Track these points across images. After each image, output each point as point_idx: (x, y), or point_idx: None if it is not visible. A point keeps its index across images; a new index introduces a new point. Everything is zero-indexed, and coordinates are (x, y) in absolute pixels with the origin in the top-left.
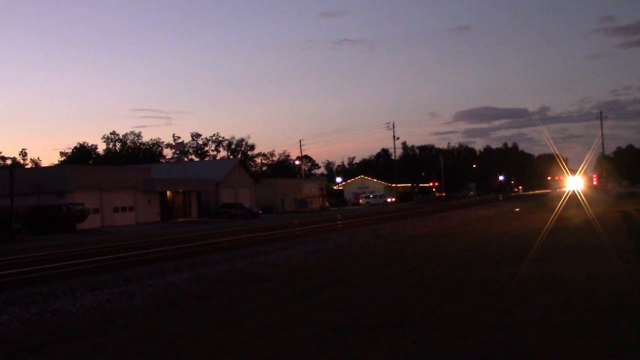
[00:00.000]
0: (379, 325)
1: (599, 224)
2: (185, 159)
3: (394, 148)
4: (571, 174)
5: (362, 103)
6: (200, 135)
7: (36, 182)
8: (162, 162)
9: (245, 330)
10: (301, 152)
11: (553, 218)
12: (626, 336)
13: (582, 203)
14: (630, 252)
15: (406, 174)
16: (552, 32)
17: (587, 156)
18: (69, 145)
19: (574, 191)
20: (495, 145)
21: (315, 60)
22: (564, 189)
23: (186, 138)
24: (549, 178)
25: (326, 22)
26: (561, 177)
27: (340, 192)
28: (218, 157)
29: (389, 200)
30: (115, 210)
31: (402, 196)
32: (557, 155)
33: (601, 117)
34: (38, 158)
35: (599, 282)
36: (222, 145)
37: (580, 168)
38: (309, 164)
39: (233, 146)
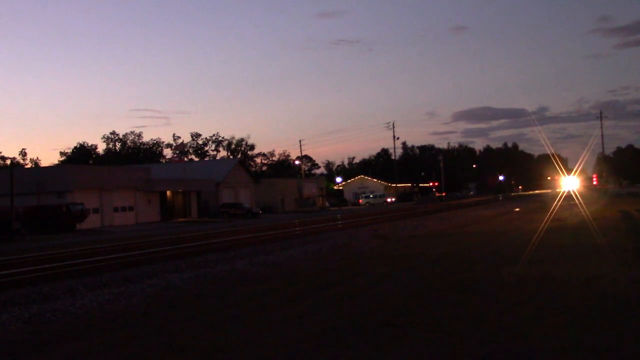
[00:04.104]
0: (379, 325)
1: (598, 224)
2: (185, 159)
3: (394, 148)
4: (571, 174)
5: (361, 103)
6: (200, 135)
7: (36, 182)
8: (162, 162)
9: (245, 330)
10: (301, 152)
11: (553, 218)
12: (626, 336)
13: (582, 203)
14: (630, 252)
15: (406, 174)
16: (549, 33)
17: (584, 156)
18: (69, 145)
19: (573, 191)
20: (494, 145)
21: (313, 60)
22: (564, 189)
23: (186, 138)
24: (549, 178)
25: (323, 23)
26: (561, 177)
27: (340, 192)
28: (218, 157)
29: (389, 200)
30: (115, 210)
31: (402, 196)
32: (555, 156)
33: (601, 117)
34: (37, 158)
35: (599, 283)
36: (222, 145)
37: (576, 168)
38: (309, 164)
39: (233, 146)
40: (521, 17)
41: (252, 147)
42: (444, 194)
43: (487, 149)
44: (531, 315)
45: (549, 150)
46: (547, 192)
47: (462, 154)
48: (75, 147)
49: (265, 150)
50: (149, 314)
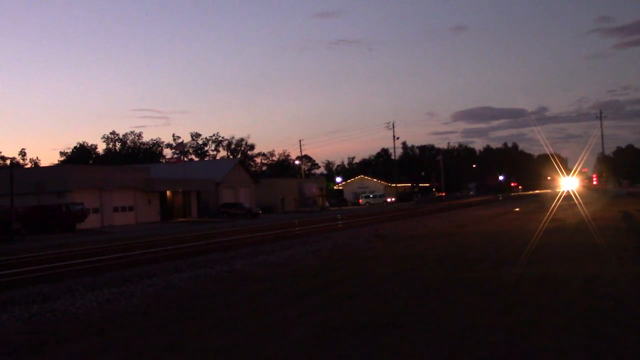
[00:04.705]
0: (379, 325)
1: (598, 224)
2: (185, 159)
3: (394, 148)
4: (571, 174)
5: (361, 103)
6: (200, 135)
7: (36, 182)
8: (162, 162)
9: (245, 330)
10: (301, 152)
11: (553, 218)
12: (626, 336)
13: (581, 203)
14: (630, 252)
15: (406, 173)
16: (549, 32)
17: (582, 156)
18: (69, 145)
19: (573, 191)
20: (494, 145)
21: (313, 61)
22: (563, 189)
23: (186, 138)
24: (549, 178)
25: (323, 23)
26: (561, 177)
27: (340, 192)
28: (218, 157)
29: (388, 200)
30: (115, 210)
31: (402, 196)
32: (555, 155)
33: (601, 117)
34: (37, 158)
35: (599, 282)
36: (222, 145)
37: (575, 168)
38: (309, 164)
39: (233, 146)
40: (521, 17)
41: (252, 147)
42: (443, 194)
43: (487, 149)
44: (531, 315)
45: (549, 150)
46: (547, 192)
47: (462, 154)
48: (75, 147)
49: (265, 150)
50: (149, 314)
